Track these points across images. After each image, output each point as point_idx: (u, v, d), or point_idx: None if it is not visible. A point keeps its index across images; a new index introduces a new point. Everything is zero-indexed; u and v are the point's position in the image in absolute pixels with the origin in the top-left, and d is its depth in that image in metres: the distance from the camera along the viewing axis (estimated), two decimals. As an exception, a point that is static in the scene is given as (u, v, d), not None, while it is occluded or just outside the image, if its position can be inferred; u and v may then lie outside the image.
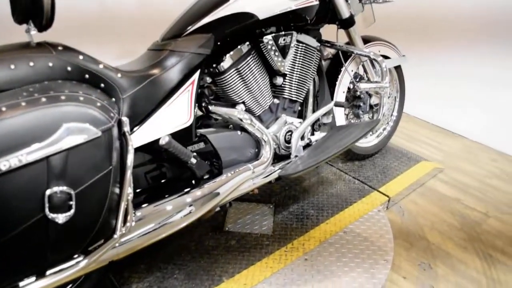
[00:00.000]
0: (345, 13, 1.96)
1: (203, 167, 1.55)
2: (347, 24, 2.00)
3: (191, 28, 1.57)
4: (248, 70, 1.67)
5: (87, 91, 1.17)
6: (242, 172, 1.64)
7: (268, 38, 1.67)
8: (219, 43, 1.57)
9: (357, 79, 2.24)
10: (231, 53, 1.63)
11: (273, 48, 1.69)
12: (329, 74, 2.16)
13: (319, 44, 1.89)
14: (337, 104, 1.93)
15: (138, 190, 1.49)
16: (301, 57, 1.82)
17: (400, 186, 2.31)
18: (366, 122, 2.00)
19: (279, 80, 1.80)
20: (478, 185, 2.46)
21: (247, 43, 1.67)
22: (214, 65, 1.64)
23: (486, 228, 2.12)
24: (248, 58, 1.67)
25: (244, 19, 1.59)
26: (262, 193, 2.16)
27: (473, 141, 2.98)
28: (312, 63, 1.87)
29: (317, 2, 1.79)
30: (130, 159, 1.24)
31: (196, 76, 1.55)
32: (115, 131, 1.17)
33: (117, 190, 1.22)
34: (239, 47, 1.65)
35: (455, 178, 2.51)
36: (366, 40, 2.25)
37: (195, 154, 1.51)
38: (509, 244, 2.02)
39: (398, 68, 2.46)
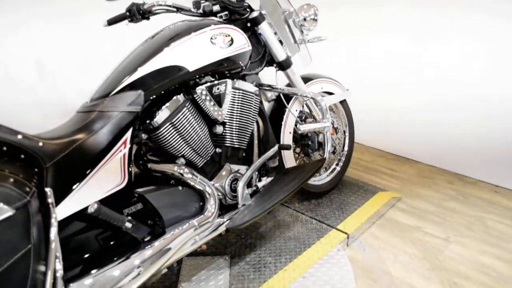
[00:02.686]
0: (281, 55, 1.96)
1: (141, 229, 1.47)
2: (284, 66, 2.00)
3: (119, 86, 1.53)
4: (184, 123, 1.63)
5: (1, 166, 1.09)
6: (186, 229, 1.57)
7: (201, 89, 1.65)
8: (150, 99, 1.53)
9: (302, 118, 2.24)
10: (165, 107, 1.59)
11: (208, 98, 1.66)
12: (274, 116, 2.15)
13: (257, 89, 1.87)
14: (282, 147, 1.90)
15: (73, 262, 1.39)
16: (239, 104, 1.79)
17: (359, 221, 2.27)
18: (311, 163, 1.98)
19: (219, 129, 1.76)
20: (436, 210, 2.46)
21: (181, 94, 1.63)
22: (148, 121, 1.59)
23: (448, 254, 2.09)
24: (184, 110, 1.63)
25: (173, 73, 1.56)
26: (217, 245, 2.07)
27: (428, 165, 3.01)
28: (251, 108, 1.85)
29: (250, 48, 1.79)
30: (54, 233, 1.15)
31: (128, 135, 1.49)
32: (34, 206, 1.08)
33: (42, 268, 1.13)
34: (173, 99, 1.61)
35: (413, 205, 2.50)
36: (308, 78, 2.27)
37: (129, 218, 1.43)
38: (472, 268, 1.99)
39: (344, 102, 2.48)
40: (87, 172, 1.38)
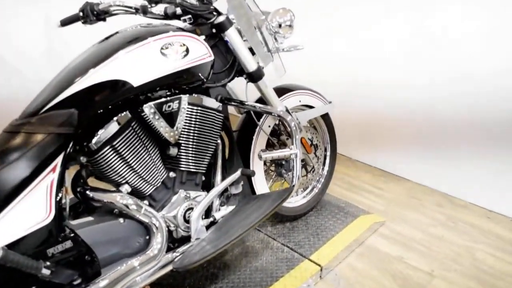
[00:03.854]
0: (251, 65, 1.74)
1: (65, 274, 1.26)
2: (255, 77, 1.78)
3: (52, 102, 1.30)
4: (129, 145, 1.41)
5: None
6: (126, 269, 1.36)
7: (149, 106, 1.42)
8: (87, 118, 1.31)
9: (277, 133, 2.02)
10: (106, 127, 1.37)
11: (157, 117, 1.44)
12: (244, 133, 1.93)
13: (220, 105, 1.65)
14: (244, 173, 1.68)
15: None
16: (197, 122, 1.57)
17: (335, 249, 2.07)
18: (278, 191, 1.76)
19: (172, 151, 1.54)
20: (422, 237, 2.25)
21: (126, 113, 1.41)
22: (85, 143, 1.37)
23: (431, 291, 1.89)
24: (128, 132, 1.41)
25: (114, 88, 1.34)
26: (176, 275, 1.86)
27: (417, 183, 2.79)
28: (212, 127, 1.63)
29: (211, 58, 1.56)
30: None
31: (58, 160, 1.27)
32: None
33: None
34: (115, 118, 1.39)
35: (398, 230, 2.29)
36: (285, 90, 2.04)
37: (48, 263, 1.22)
38: (456, 309, 1.79)
39: (326, 116, 2.25)
40: (4, 206, 1.17)
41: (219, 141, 1.74)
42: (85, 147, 1.37)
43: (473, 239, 2.25)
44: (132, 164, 1.42)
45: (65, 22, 1.69)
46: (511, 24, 2.29)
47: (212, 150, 1.67)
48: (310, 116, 2.11)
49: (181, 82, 1.48)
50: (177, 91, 1.51)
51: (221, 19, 1.63)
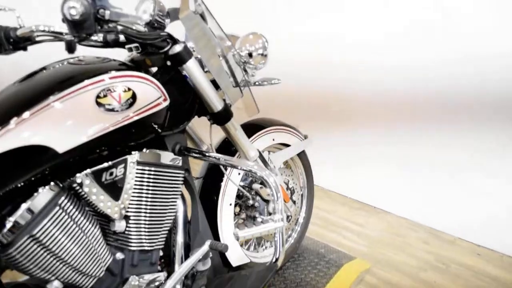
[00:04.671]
0: (216, 105, 1.39)
1: None
2: (221, 119, 1.43)
3: None
4: (56, 231, 1.02)
5: None
6: None
7: (83, 176, 1.04)
8: None
9: (248, 183, 1.68)
10: (21, 210, 0.98)
11: (94, 189, 1.06)
12: (209, 186, 1.58)
13: (178, 159, 1.29)
14: (214, 247, 1.32)
15: None
16: (150, 187, 1.20)
17: (319, 312, 1.76)
18: (259, 271, 1.40)
19: (119, 226, 1.17)
20: (411, 284, 1.99)
21: (50, 186, 1.02)
22: None
23: None
24: (54, 212, 1.02)
25: (32, 157, 0.95)
26: None
27: (399, 216, 2.54)
28: (171, 188, 1.27)
29: (167, 102, 1.21)
30: None
31: None
32: None
33: None
34: (35, 196, 1.00)
35: (386, 279, 2.02)
36: (255, 127, 1.71)
37: None
38: None
39: (301, 152, 1.94)
40: None
41: (179, 201, 1.38)
42: (-7, 237, 0.97)
43: (467, 283, 2.02)
44: (62, 255, 1.04)
45: None
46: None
47: (172, 217, 1.30)
48: (287, 157, 1.80)
49: (126, 139, 1.11)
50: (122, 149, 1.14)
51: (177, 49, 1.27)
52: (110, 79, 1.08)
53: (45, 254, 1.01)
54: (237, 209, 1.76)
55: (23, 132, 0.94)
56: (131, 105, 1.08)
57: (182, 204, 1.41)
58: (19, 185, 0.97)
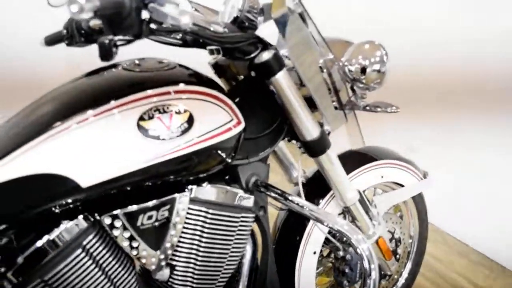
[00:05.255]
0: (310, 132, 1.07)
1: None
2: (315, 150, 1.11)
3: None
4: (74, 278, 0.81)
5: None
6: None
7: (112, 217, 0.80)
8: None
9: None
10: (36, 246, 0.78)
11: (126, 234, 0.82)
12: (285, 239, 1.28)
13: (251, 198, 1.00)
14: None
15: None
16: (204, 233, 0.93)
17: None
18: None
19: (160, 274, 0.92)
20: None
21: (75, 221, 0.80)
22: (3, 270, 0.79)
23: None
24: (77, 254, 0.80)
25: (47, 190, 0.74)
26: None
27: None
28: (233, 234, 0.99)
29: (241, 127, 0.92)
30: None
31: None
32: None
33: None
34: (56, 230, 0.79)
35: None
36: (360, 159, 1.35)
37: None
38: None
39: (417, 195, 1.52)
40: None
41: (248, 246, 1.11)
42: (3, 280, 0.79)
43: None
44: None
45: (50, 41, 1.12)
46: None
47: (233, 267, 1.03)
48: (397, 201, 1.41)
49: (175, 174, 0.85)
50: (169, 185, 0.88)
51: (265, 56, 0.97)
52: (175, 93, 0.83)
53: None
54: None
55: (40, 155, 0.73)
56: (185, 131, 0.82)
57: (251, 248, 1.13)
58: (37, 215, 0.77)
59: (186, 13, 0.69)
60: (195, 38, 0.85)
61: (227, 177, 1.01)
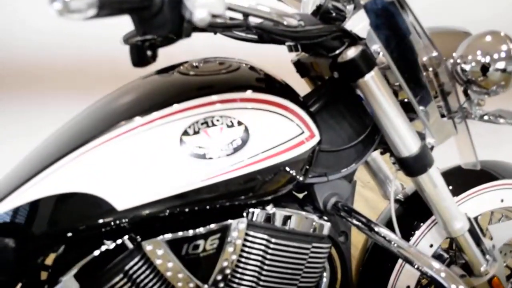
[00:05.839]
0: (409, 148, 0.86)
1: None
2: (412, 168, 0.90)
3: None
4: None
5: None
6: None
7: (154, 243, 0.70)
8: (32, 259, 0.69)
9: (444, 259, 1.10)
10: (76, 269, 0.71)
11: (170, 265, 0.72)
12: (370, 274, 1.08)
13: (324, 223, 0.84)
14: None
15: None
16: (266, 265, 0.79)
17: None
18: None
19: None
20: None
21: (119, 243, 0.72)
22: None
23: None
24: (118, 279, 0.72)
25: (82, 210, 0.66)
26: None
27: None
28: (302, 267, 0.84)
29: (313, 143, 0.76)
30: None
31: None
32: None
33: None
34: (96, 252, 0.72)
35: None
36: (472, 179, 1.09)
37: None
38: None
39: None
40: None
41: (324, 274, 0.95)
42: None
43: None
44: None
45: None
46: None
47: None
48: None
49: (229, 198, 0.72)
50: (222, 210, 0.75)
51: (351, 54, 0.78)
52: (242, 101, 0.70)
53: None
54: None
55: (76, 172, 0.65)
56: (238, 149, 0.68)
57: (327, 277, 0.97)
58: (75, 234, 0.70)
59: (206, 5, 0.52)
60: (259, 34, 0.70)
61: (300, 198, 0.86)
